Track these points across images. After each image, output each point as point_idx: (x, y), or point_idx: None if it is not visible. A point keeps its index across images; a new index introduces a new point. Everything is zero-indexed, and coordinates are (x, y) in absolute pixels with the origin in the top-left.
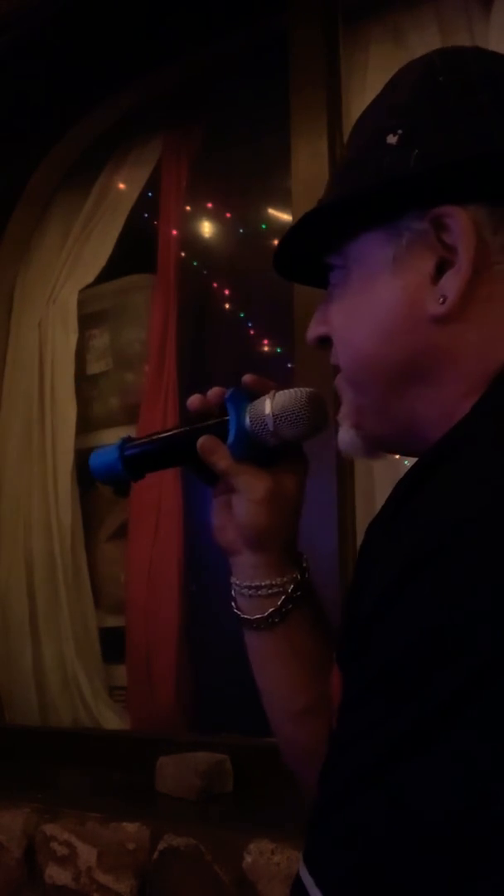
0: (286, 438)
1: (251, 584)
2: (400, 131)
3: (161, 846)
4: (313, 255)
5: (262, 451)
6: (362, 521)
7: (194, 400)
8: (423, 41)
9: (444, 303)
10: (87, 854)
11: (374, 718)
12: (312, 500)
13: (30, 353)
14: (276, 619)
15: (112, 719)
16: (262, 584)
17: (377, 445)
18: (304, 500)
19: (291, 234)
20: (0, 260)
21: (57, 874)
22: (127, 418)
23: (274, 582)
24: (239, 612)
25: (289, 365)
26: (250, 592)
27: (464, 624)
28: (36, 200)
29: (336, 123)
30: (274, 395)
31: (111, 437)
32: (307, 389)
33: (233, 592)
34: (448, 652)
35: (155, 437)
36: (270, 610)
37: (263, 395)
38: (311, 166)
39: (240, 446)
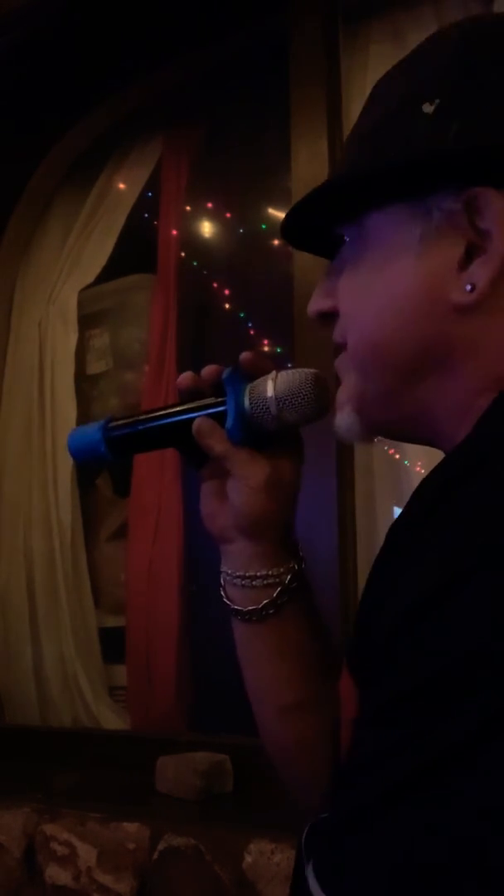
0: (288, 422)
1: (245, 573)
2: (437, 100)
3: (161, 846)
4: (323, 222)
5: (260, 434)
6: (362, 521)
7: (186, 378)
8: None
9: (472, 291)
10: (87, 854)
11: (408, 734)
12: (312, 500)
13: (30, 353)
14: (271, 611)
15: (112, 719)
16: (258, 574)
17: (377, 431)
18: (301, 486)
19: (306, 200)
20: (0, 260)
21: (57, 874)
22: None
23: (270, 572)
24: (229, 603)
25: (289, 365)
26: (243, 583)
27: None
28: (36, 200)
29: (336, 123)
30: (276, 375)
31: None
32: (311, 370)
33: (222, 581)
34: (490, 671)
35: (142, 418)
36: (265, 602)
37: (262, 375)
38: (311, 166)
39: (238, 429)
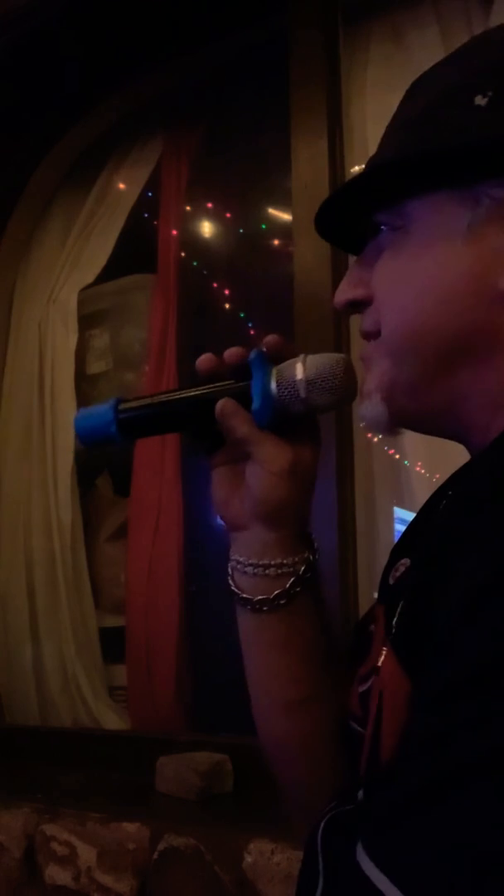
0: (316, 406)
1: (258, 561)
2: (490, 93)
3: (161, 846)
4: (352, 214)
5: (285, 418)
6: (362, 520)
7: (207, 360)
8: (423, 41)
9: None
10: (87, 854)
11: (466, 718)
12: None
13: (30, 353)
14: (282, 601)
15: (112, 719)
16: (272, 562)
17: (404, 423)
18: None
19: (345, 188)
20: (0, 260)
21: (57, 874)
22: None
23: (285, 561)
24: (238, 591)
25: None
26: (256, 571)
27: None
28: (36, 200)
29: (336, 123)
30: (305, 358)
31: None
32: (340, 355)
33: (230, 570)
34: None
35: (159, 399)
36: (277, 591)
37: (287, 359)
38: (311, 166)
39: (265, 412)
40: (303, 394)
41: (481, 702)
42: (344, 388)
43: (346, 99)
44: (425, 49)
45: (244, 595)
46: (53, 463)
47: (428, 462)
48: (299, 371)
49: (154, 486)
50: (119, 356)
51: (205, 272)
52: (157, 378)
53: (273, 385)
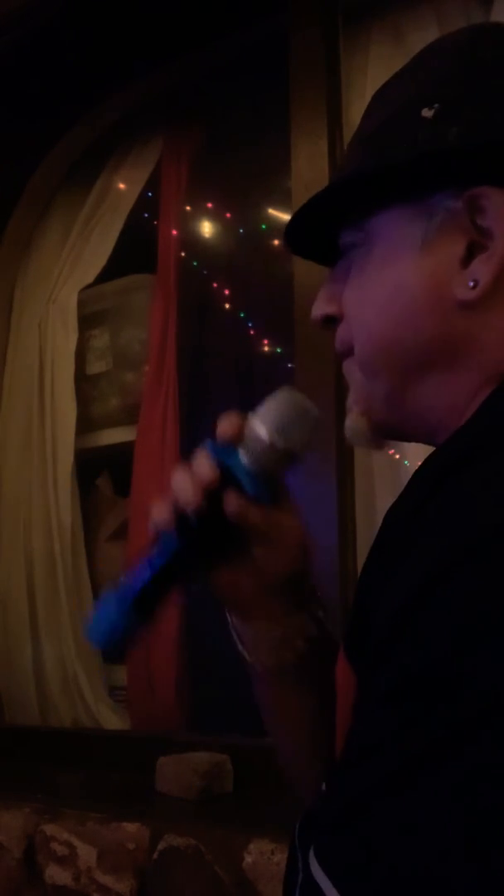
0: (298, 448)
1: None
2: (437, 105)
3: (161, 846)
4: (325, 229)
5: (275, 485)
6: (362, 520)
7: (161, 511)
8: (423, 41)
9: (474, 287)
10: (87, 854)
11: (398, 725)
12: (312, 499)
13: (30, 353)
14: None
15: (112, 719)
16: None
17: (385, 433)
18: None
19: (309, 205)
20: (0, 260)
21: (57, 874)
22: (127, 418)
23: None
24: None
25: (289, 365)
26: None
27: (497, 637)
28: (36, 200)
29: (336, 123)
30: (252, 418)
31: (111, 437)
32: (278, 392)
33: (241, 647)
34: (479, 664)
35: (149, 560)
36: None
37: (234, 434)
38: (311, 166)
39: (260, 488)
40: (281, 444)
41: (414, 708)
42: (305, 410)
43: (346, 99)
44: None
45: (264, 663)
46: (53, 463)
47: None
48: (261, 430)
49: (154, 486)
50: (119, 356)
51: (205, 272)
52: (157, 378)
53: (245, 460)
